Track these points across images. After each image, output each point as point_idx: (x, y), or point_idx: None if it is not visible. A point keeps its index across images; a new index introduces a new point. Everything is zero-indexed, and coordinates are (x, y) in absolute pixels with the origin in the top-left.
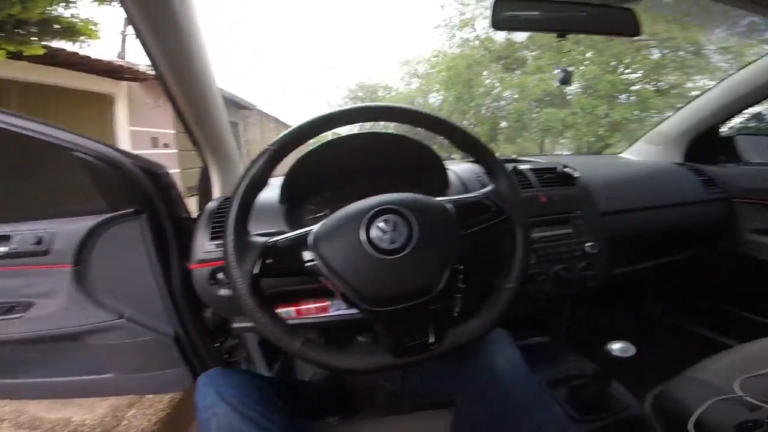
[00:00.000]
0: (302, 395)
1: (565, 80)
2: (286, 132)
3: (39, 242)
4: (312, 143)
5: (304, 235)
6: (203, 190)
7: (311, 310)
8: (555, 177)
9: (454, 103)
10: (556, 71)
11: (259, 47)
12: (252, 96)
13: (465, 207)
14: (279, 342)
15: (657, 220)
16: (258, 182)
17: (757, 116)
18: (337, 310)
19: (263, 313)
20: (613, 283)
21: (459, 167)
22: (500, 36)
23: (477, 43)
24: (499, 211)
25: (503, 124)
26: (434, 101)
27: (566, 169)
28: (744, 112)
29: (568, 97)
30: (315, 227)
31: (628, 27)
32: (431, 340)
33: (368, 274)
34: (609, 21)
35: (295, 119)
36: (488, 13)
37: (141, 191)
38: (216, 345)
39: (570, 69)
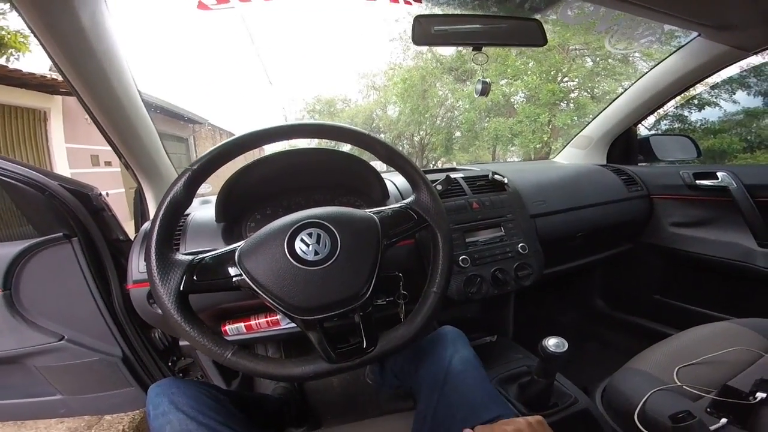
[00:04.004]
0: (262, 407)
1: (484, 91)
2: (206, 152)
3: None
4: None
5: (232, 251)
6: (139, 211)
7: (262, 324)
8: (486, 184)
9: (411, 115)
10: (507, 80)
11: (212, 61)
12: (204, 110)
13: (389, 218)
14: (210, 353)
15: (584, 220)
16: (178, 203)
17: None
18: (288, 323)
19: (192, 327)
20: (556, 280)
21: (399, 178)
22: (451, 48)
23: (429, 55)
24: (420, 220)
25: (457, 133)
26: (392, 113)
27: (496, 176)
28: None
29: (515, 107)
30: (241, 243)
31: (536, 37)
32: (365, 345)
33: (294, 285)
34: (518, 33)
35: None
36: None
37: (71, 214)
38: (168, 364)
39: (488, 80)
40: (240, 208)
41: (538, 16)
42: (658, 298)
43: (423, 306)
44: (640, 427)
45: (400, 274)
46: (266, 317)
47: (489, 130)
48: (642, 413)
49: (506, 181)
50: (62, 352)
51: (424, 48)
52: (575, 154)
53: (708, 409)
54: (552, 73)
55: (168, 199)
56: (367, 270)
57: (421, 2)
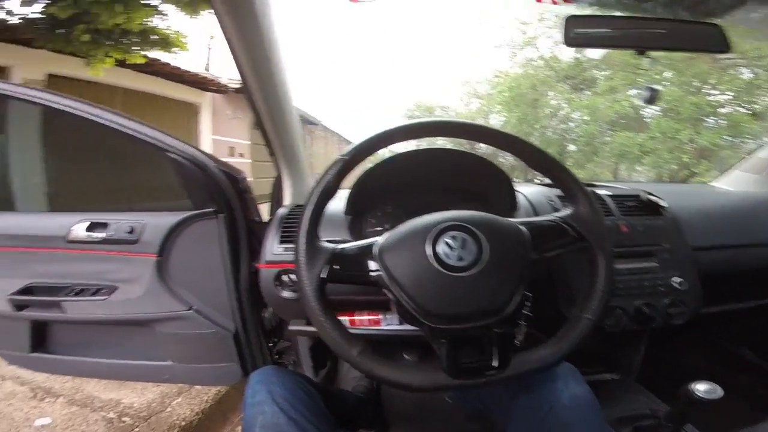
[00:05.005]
0: (342, 405)
1: (651, 99)
2: (358, 143)
3: (131, 231)
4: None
5: (370, 245)
6: (276, 197)
7: (363, 321)
8: (638, 205)
9: (518, 125)
10: (640, 90)
11: (324, 65)
12: (317, 112)
13: (540, 230)
14: (337, 348)
15: (758, 258)
16: (329, 191)
17: None
18: (388, 324)
19: (326, 317)
20: (695, 321)
21: (528, 189)
22: (566, 55)
23: (541, 62)
24: (578, 237)
25: (571, 147)
26: (495, 122)
27: (651, 197)
28: None
29: (646, 120)
30: (380, 238)
31: (715, 43)
32: (494, 363)
33: (432, 289)
34: (693, 37)
35: (355, 136)
36: (551, 32)
37: (221, 193)
38: (270, 345)
39: (657, 87)
40: (365, 203)
41: (716, 21)
42: None
43: (572, 331)
44: None
45: (529, 294)
46: (369, 315)
47: (613, 146)
48: None
49: (665, 204)
50: (187, 320)
51: (535, 55)
52: (746, 180)
53: None
54: (695, 84)
55: (321, 186)
56: (513, 283)
57: (570, 2)
